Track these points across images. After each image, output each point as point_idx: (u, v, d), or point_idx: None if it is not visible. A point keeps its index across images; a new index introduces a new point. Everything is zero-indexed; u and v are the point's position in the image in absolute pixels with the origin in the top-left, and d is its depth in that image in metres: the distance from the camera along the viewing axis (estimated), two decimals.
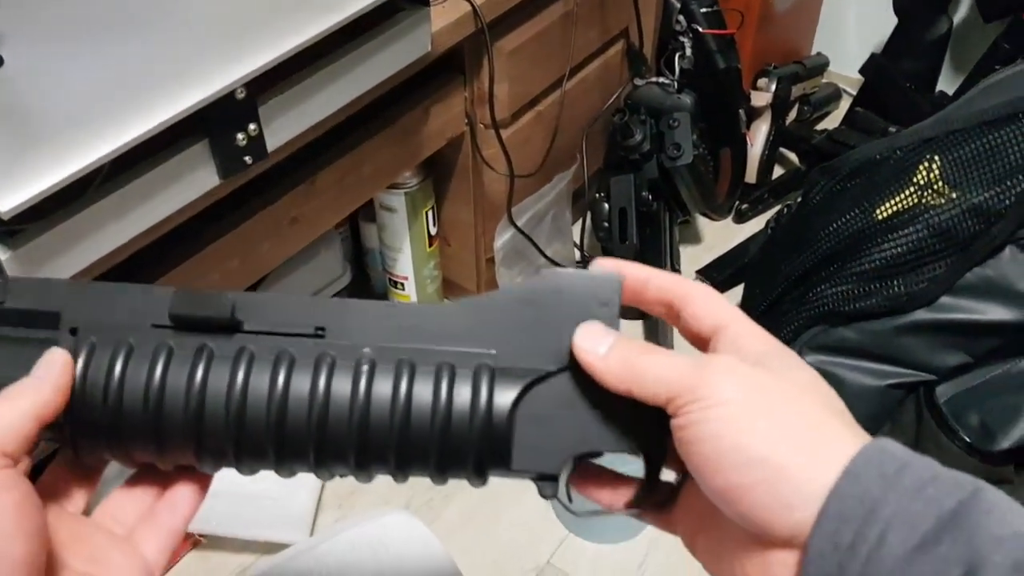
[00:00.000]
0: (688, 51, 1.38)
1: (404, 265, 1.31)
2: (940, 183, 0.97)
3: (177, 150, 0.73)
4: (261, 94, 0.77)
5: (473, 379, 0.37)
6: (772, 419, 0.32)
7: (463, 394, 0.37)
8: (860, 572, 0.30)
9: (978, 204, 0.93)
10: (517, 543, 1.11)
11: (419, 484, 1.09)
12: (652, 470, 0.39)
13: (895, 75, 1.55)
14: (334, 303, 0.39)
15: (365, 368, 0.37)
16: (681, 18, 1.36)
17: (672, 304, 0.39)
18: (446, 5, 1.01)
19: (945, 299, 0.96)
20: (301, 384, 0.37)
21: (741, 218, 1.55)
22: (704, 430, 0.33)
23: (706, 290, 0.39)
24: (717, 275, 1.43)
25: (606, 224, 1.32)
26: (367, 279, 1.43)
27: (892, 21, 1.56)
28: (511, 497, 1.15)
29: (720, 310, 0.38)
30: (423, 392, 0.37)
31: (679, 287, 0.38)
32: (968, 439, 0.93)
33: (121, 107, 0.67)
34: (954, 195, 0.95)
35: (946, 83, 1.65)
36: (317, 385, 0.37)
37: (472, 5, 1.02)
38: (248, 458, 0.38)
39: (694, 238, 1.53)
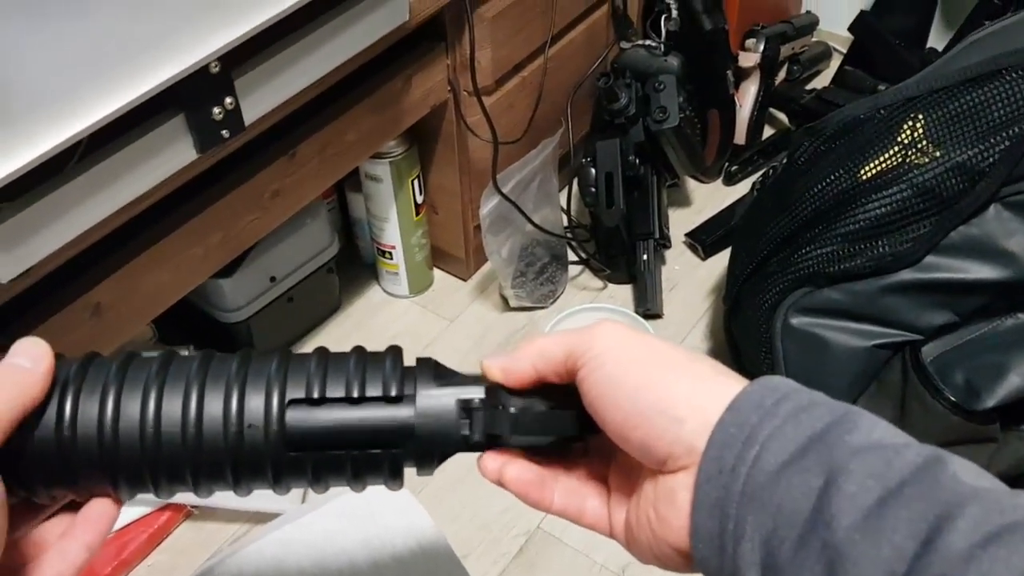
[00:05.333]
0: (674, 13, 1.37)
1: (391, 234, 1.31)
2: (924, 142, 0.96)
3: (153, 125, 0.73)
4: (237, 67, 0.77)
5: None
6: (658, 356, 0.37)
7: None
8: (740, 491, 0.33)
9: (962, 162, 0.93)
10: (506, 508, 1.11)
11: None
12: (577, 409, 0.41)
13: (884, 32, 1.53)
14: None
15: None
16: None
17: (531, 379, 0.41)
18: None
19: (930, 258, 0.95)
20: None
21: (730, 180, 1.55)
22: (599, 374, 0.37)
23: (534, 340, 0.41)
24: (706, 238, 1.43)
25: (593, 189, 1.31)
26: (356, 249, 1.43)
27: None
28: None
29: (566, 336, 0.40)
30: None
31: (519, 364, 0.40)
32: (953, 398, 0.94)
33: (94, 83, 0.67)
34: (938, 154, 0.95)
35: (936, 39, 1.63)
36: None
37: None
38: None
39: (683, 201, 1.52)
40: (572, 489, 0.42)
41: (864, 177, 0.99)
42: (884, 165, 0.97)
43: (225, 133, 0.78)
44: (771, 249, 1.06)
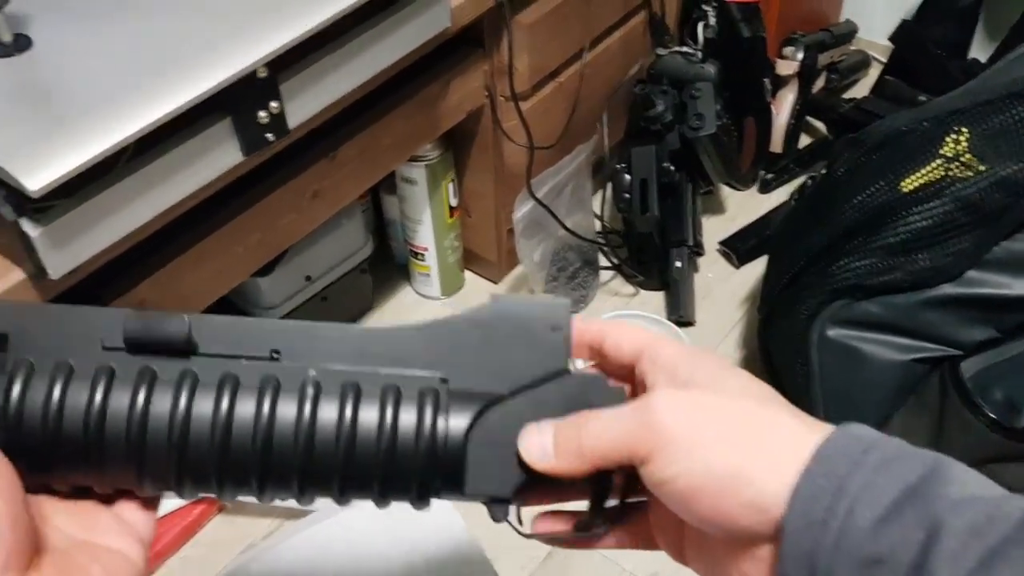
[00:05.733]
0: (712, 20, 1.36)
1: (425, 236, 1.31)
2: (968, 155, 0.95)
3: (201, 128, 0.74)
4: (282, 72, 0.77)
5: (419, 402, 0.37)
6: (725, 439, 0.35)
7: (410, 418, 0.37)
8: (833, 544, 0.32)
9: (1006, 177, 0.92)
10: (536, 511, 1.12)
11: None
12: (597, 498, 0.39)
13: (926, 42, 1.52)
14: (291, 325, 0.38)
15: (310, 391, 0.37)
16: None
17: (592, 343, 0.41)
18: None
19: (971, 273, 0.95)
20: (245, 408, 0.36)
21: (766, 188, 1.54)
22: (669, 471, 0.35)
23: (618, 322, 0.41)
24: (740, 246, 1.42)
25: (627, 195, 1.31)
26: (388, 250, 1.44)
27: None
28: None
29: (635, 335, 0.40)
30: (368, 416, 0.37)
31: (593, 325, 0.41)
32: (992, 415, 0.93)
33: (146, 87, 0.68)
34: (982, 168, 0.94)
35: (979, 50, 1.62)
36: (261, 409, 0.36)
37: None
38: (190, 484, 0.37)
39: (718, 208, 1.52)
40: (627, 536, 0.42)
41: (906, 189, 0.98)
42: (926, 178, 0.97)
43: (270, 136, 0.79)
44: (809, 260, 1.05)
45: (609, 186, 1.36)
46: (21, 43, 0.73)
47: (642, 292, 1.40)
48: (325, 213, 1.02)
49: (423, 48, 0.94)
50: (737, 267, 1.42)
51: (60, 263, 0.69)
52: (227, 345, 0.38)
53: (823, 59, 1.59)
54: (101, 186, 0.69)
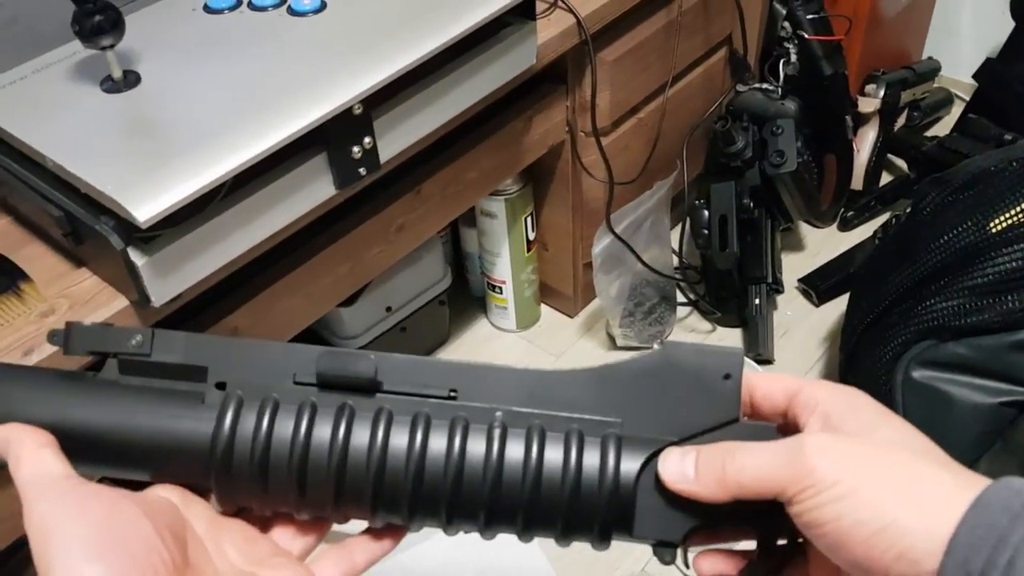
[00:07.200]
0: (793, 57, 1.36)
1: (503, 269, 1.33)
2: None
3: (298, 162, 0.77)
4: (376, 108, 0.80)
5: (601, 446, 0.39)
6: (877, 488, 0.34)
7: (592, 460, 0.38)
8: None
9: None
10: (611, 547, 1.11)
11: None
12: (765, 546, 0.40)
13: (1011, 80, 1.49)
14: (465, 366, 0.41)
15: (497, 431, 0.39)
16: (787, 24, 1.34)
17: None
18: (551, 18, 1.03)
19: None
20: (437, 444, 0.38)
21: (846, 226, 1.52)
22: (821, 514, 0.35)
23: (762, 374, 0.41)
24: (820, 284, 1.41)
25: (706, 231, 1.31)
26: (465, 283, 1.46)
27: (1009, 24, 1.50)
28: None
29: (785, 380, 0.40)
30: (554, 457, 0.38)
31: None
32: None
33: (249, 122, 0.71)
34: None
35: None
36: (452, 446, 0.38)
37: (576, 17, 1.03)
38: (383, 512, 0.39)
39: (797, 245, 1.50)
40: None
41: (994, 230, 0.96)
42: (1016, 219, 0.95)
43: (362, 171, 0.82)
44: (893, 299, 1.04)
45: (687, 221, 1.36)
46: (130, 79, 0.77)
47: (719, 329, 1.39)
48: (409, 245, 1.04)
49: (509, 85, 0.96)
50: (817, 305, 1.40)
51: (163, 291, 0.72)
52: (409, 384, 0.40)
53: (905, 96, 1.57)
54: (203, 217, 0.72)
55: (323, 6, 0.84)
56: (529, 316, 1.41)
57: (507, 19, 0.90)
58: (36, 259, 0.77)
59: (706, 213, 1.31)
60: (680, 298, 1.40)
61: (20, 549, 0.76)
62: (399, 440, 0.38)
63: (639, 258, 1.25)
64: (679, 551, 0.40)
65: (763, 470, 0.36)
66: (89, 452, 0.39)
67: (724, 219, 1.29)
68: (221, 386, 0.40)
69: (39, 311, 0.72)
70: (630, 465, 0.39)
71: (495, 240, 1.30)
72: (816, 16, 1.33)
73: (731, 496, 0.37)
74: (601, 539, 0.40)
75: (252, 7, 0.84)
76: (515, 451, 0.38)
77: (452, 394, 0.40)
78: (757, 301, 1.31)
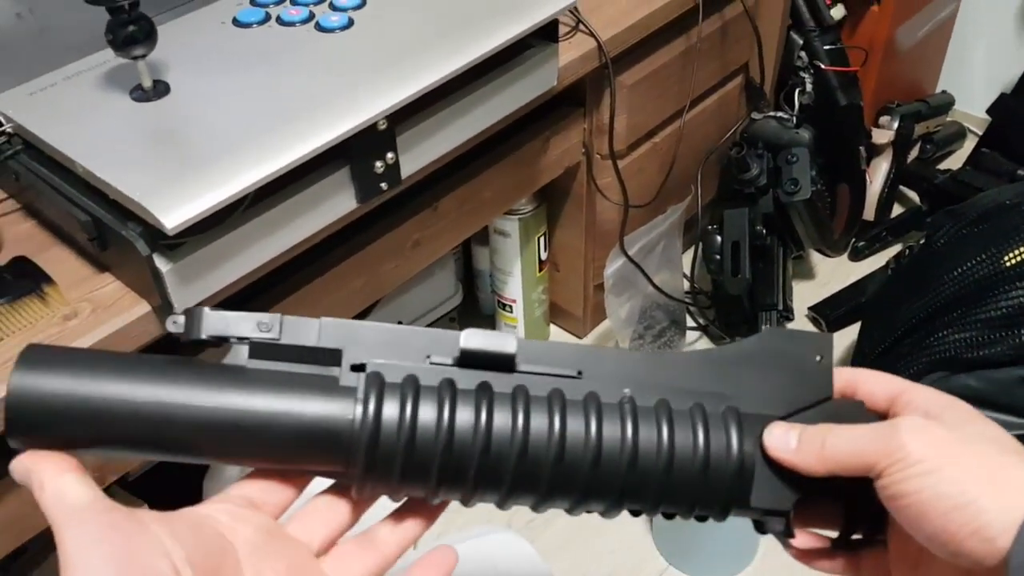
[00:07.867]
0: (809, 87, 1.37)
1: (514, 288, 1.34)
2: None
3: (321, 175, 0.78)
4: (399, 124, 0.81)
5: (724, 420, 0.41)
6: (961, 467, 0.37)
7: (719, 432, 0.40)
8: None
9: None
10: (614, 569, 1.11)
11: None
12: (852, 520, 0.43)
13: None
14: (589, 349, 0.42)
15: (628, 408, 0.40)
16: (803, 54, 1.35)
17: (844, 390, 0.44)
18: (572, 41, 1.04)
19: None
20: (575, 424, 0.39)
21: (857, 256, 1.53)
22: (906, 487, 0.37)
23: (870, 371, 0.43)
24: (830, 312, 1.41)
25: (718, 256, 1.32)
26: (475, 300, 1.47)
27: (1023, 60, 1.52)
28: (607, 524, 1.15)
29: (890, 381, 0.42)
30: (684, 431, 0.40)
31: (845, 372, 0.44)
32: None
33: (276, 134, 0.72)
34: None
35: None
36: (589, 425, 0.39)
37: (597, 41, 1.04)
38: (519, 492, 0.40)
39: (808, 274, 1.51)
40: (866, 570, 0.44)
41: (1008, 264, 0.96)
42: None
43: (383, 185, 0.82)
44: (906, 330, 1.04)
45: (699, 246, 1.36)
46: (160, 89, 0.78)
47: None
48: (424, 261, 1.05)
49: (529, 105, 0.97)
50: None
51: (185, 298, 0.73)
52: (541, 364, 0.41)
53: (919, 129, 1.58)
54: (227, 227, 0.73)
55: (350, 23, 0.85)
56: (539, 335, 1.41)
57: (530, 41, 0.91)
58: (60, 262, 0.77)
59: (719, 238, 1.32)
60: (690, 322, 1.41)
61: (25, 551, 0.76)
62: (538, 420, 0.39)
63: (650, 281, 1.26)
64: (788, 521, 0.42)
65: (858, 443, 0.39)
66: (235, 443, 0.38)
67: (736, 245, 1.30)
68: (358, 368, 0.39)
69: (62, 314, 0.73)
70: (750, 437, 0.41)
71: (507, 259, 1.31)
72: (832, 47, 1.34)
73: (827, 470, 0.39)
74: (722, 512, 0.41)
75: (281, 22, 0.86)
76: (648, 427, 0.40)
77: (579, 374, 0.41)
78: (767, 327, 1.31)
